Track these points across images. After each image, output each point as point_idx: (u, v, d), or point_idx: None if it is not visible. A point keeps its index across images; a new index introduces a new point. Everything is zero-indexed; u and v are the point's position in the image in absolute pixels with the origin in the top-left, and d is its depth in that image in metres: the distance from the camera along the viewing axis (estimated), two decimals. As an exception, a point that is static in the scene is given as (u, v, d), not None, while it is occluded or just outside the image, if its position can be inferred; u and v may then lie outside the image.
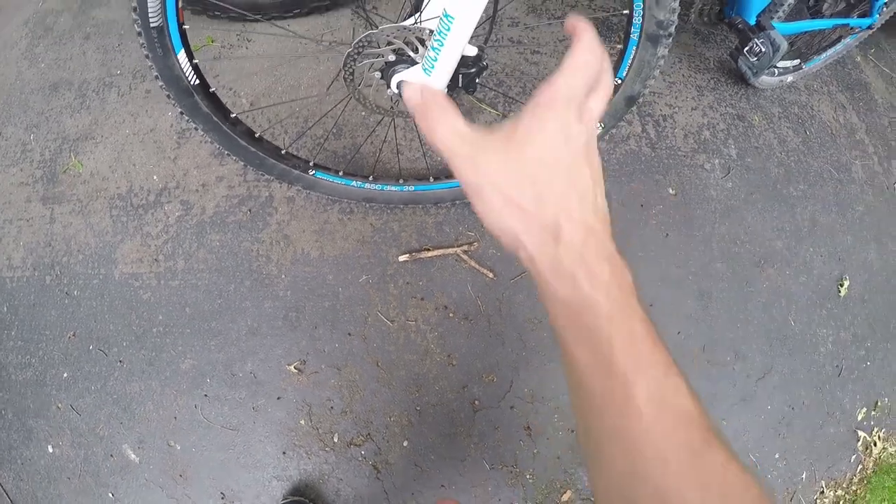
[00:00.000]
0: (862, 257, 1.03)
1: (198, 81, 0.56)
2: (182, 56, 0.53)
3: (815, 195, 1.01)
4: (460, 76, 0.51)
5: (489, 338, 0.71)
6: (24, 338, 0.77)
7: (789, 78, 1.07)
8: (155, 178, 0.84)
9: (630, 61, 0.57)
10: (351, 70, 0.51)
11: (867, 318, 0.98)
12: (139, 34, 0.49)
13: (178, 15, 0.50)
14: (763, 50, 0.76)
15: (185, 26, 0.52)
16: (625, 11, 0.54)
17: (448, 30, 0.40)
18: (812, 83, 1.19)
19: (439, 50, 0.41)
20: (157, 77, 0.54)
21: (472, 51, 0.49)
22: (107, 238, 0.81)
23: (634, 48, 0.55)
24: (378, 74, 0.50)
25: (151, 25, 0.48)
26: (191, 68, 0.55)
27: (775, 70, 1.01)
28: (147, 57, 0.51)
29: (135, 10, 0.47)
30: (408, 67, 0.47)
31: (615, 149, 0.88)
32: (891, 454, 0.95)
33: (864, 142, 1.20)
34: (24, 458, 0.73)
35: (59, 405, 0.73)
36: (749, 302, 0.84)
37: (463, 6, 0.39)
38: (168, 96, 0.56)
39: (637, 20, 0.53)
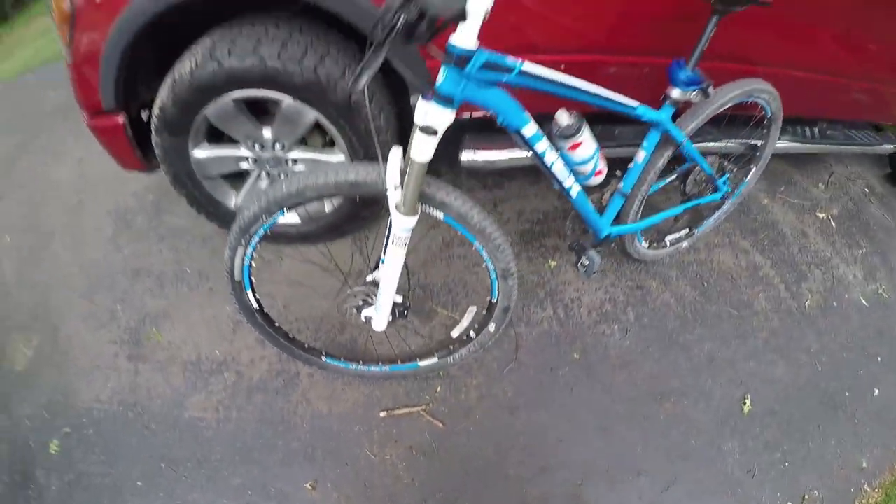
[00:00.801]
0: (769, 375, 1.42)
1: (257, 306, 1.11)
2: (249, 293, 1.07)
3: (713, 335, 1.44)
4: (395, 310, 1.05)
5: (440, 469, 1.16)
6: (107, 454, 1.25)
7: (684, 244, 1.56)
8: (217, 352, 1.40)
9: (497, 290, 1.09)
10: (343, 304, 1.08)
11: (779, 426, 1.34)
12: (229, 282, 1.02)
13: (250, 273, 1.04)
14: (587, 263, 1.27)
15: (253, 278, 1.06)
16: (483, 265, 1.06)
17: (380, 290, 0.96)
18: (713, 239, 1.69)
19: (380, 297, 0.98)
20: (235, 304, 1.06)
21: (399, 298, 1.03)
22: (180, 390, 1.33)
23: (497, 282, 1.08)
24: (355, 311, 1.06)
25: (235, 279, 1.02)
26: (253, 299, 1.09)
27: (667, 243, 1.53)
28: (231, 293, 1.05)
29: (229, 272, 1.00)
30: (370, 306, 1.03)
31: (531, 330, 1.38)
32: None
33: (769, 275, 1.64)
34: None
35: None
36: (648, 431, 1.25)
37: (386, 275, 0.93)
38: (238, 312, 1.09)
39: (491, 270, 1.05)
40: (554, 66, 0.83)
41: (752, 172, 1.50)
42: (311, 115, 1.16)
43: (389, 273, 0.92)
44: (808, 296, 1.62)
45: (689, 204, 1.36)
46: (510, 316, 1.12)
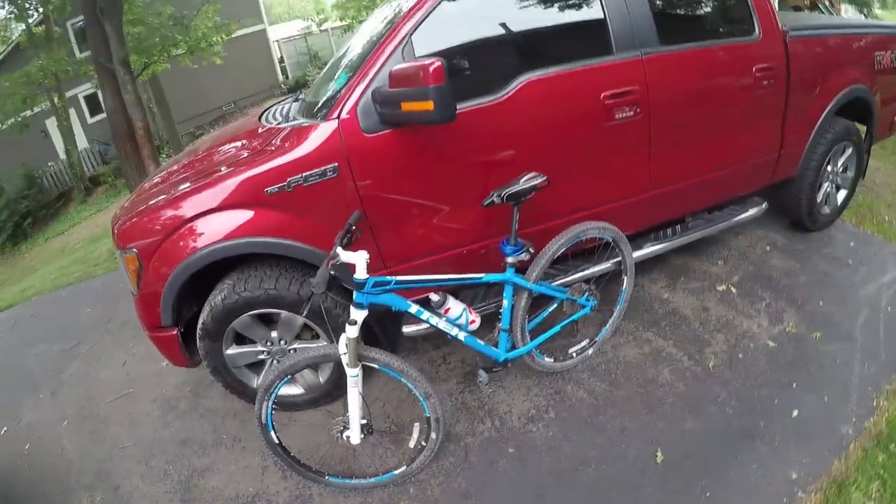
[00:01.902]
0: (679, 429, 2.06)
1: (277, 441, 1.91)
2: (272, 433, 1.86)
3: (623, 412, 2.15)
4: (363, 429, 1.84)
5: None
6: None
7: (589, 351, 2.35)
8: (251, 489, 2.14)
9: (426, 407, 1.88)
10: (331, 430, 1.86)
11: (695, 466, 1.92)
12: (258, 425, 1.84)
13: (272, 419, 1.87)
14: (481, 379, 2.03)
15: (274, 422, 1.88)
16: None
17: (350, 416, 1.76)
18: (618, 340, 2.48)
19: (350, 421, 1.77)
20: (263, 441, 1.86)
21: (364, 421, 1.81)
22: None
23: (424, 402, 1.87)
24: (338, 433, 1.85)
25: (262, 422, 1.84)
26: (275, 436, 1.88)
27: (572, 354, 2.31)
28: (261, 433, 1.85)
29: (258, 418, 1.83)
30: (347, 429, 1.82)
31: (476, 439, 2.11)
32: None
33: (671, 353, 2.38)
34: None
35: None
36: (575, 492, 1.89)
37: (350, 406, 1.73)
38: (270, 450, 1.89)
39: (418, 394, 1.86)
40: (438, 261, 1.75)
41: (625, 282, 2.34)
42: (300, 320, 2.11)
43: (352, 405, 1.75)
44: (712, 358, 2.34)
45: (566, 321, 2.21)
46: (443, 425, 1.91)
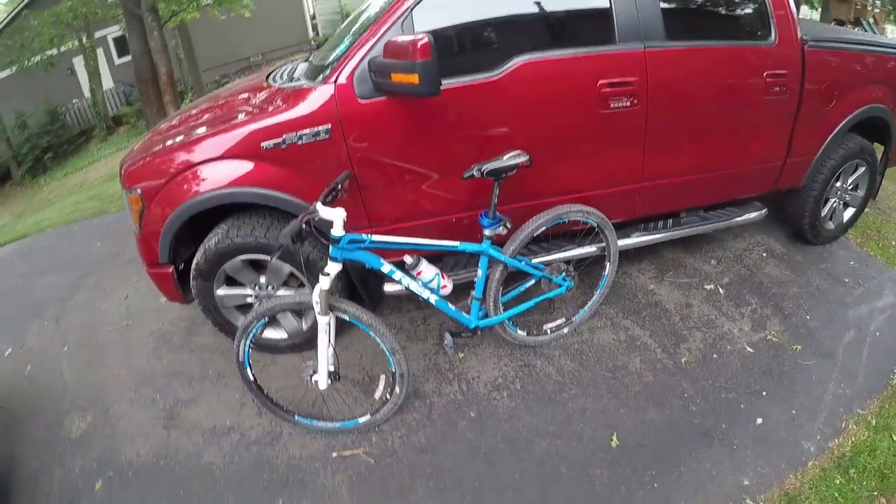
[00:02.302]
0: (638, 418, 2.23)
1: (252, 378, 2.17)
2: (248, 370, 2.12)
3: (586, 394, 2.35)
4: (331, 376, 2.09)
5: (370, 489, 2.05)
6: (140, 489, 2.16)
7: (565, 330, 2.55)
8: (227, 421, 2.43)
9: (392, 361, 2.10)
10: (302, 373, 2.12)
11: (648, 456, 2.10)
12: (236, 362, 2.11)
13: (248, 357, 2.11)
14: (447, 343, 2.27)
15: (250, 360, 2.13)
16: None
17: (318, 361, 2.00)
18: (596, 322, 2.66)
19: (319, 365, 2.03)
20: (243, 380, 2.15)
21: (332, 368, 2.06)
22: (199, 446, 2.32)
23: (390, 356, 2.10)
24: (308, 377, 2.09)
25: (239, 360, 2.10)
26: (251, 373, 2.15)
27: (546, 331, 2.51)
28: (238, 369, 2.12)
29: (236, 355, 2.09)
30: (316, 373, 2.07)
31: (441, 399, 2.34)
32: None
33: (646, 343, 2.56)
34: None
35: None
36: (525, 462, 2.11)
37: (319, 352, 1.97)
38: (245, 386, 2.16)
39: (385, 348, 2.09)
40: (422, 226, 2.00)
41: (607, 267, 2.52)
42: (286, 268, 2.37)
43: (321, 350, 1.99)
44: (686, 353, 2.50)
45: (540, 298, 2.41)
46: (407, 381, 2.15)
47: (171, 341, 2.99)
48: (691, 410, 2.25)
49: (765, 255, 3.05)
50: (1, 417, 2.81)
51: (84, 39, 13.24)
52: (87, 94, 14.78)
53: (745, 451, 2.09)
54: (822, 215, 3.02)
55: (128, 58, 11.65)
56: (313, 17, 18.68)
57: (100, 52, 14.70)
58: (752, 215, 2.79)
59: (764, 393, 2.31)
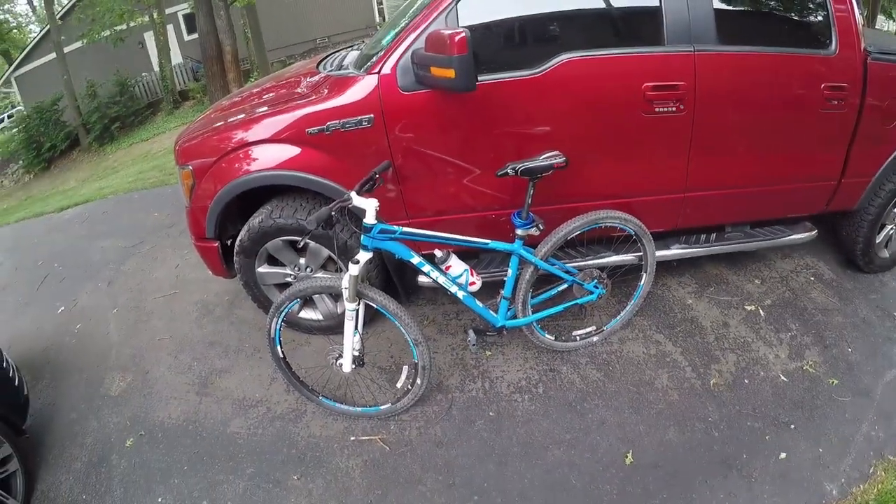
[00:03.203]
0: (657, 437, 2.19)
1: (282, 355, 2.27)
2: (278, 347, 2.22)
3: (608, 405, 2.32)
4: (356, 360, 2.14)
5: (382, 476, 2.11)
6: (167, 449, 2.34)
7: (594, 339, 2.52)
8: (257, 395, 2.56)
9: (415, 353, 2.15)
10: (328, 356, 2.22)
11: (661, 478, 2.06)
12: (267, 338, 2.21)
13: (280, 335, 2.21)
14: (469, 339, 2.25)
15: (281, 339, 2.22)
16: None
17: (344, 345, 2.08)
18: (627, 334, 2.62)
19: (344, 350, 2.09)
20: (272, 356, 2.25)
21: (356, 353, 2.12)
22: (227, 415, 2.48)
23: (413, 348, 2.14)
24: (333, 360, 2.19)
25: (270, 336, 2.19)
26: (280, 351, 2.24)
27: (576, 337, 2.50)
28: (268, 346, 2.22)
29: (268, 332, 2.19)
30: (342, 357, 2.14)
31: (463, 395, 2.37)
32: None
33: (676, 360, 2.50)
34: None
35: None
36: (536, 468, 2.11)
37: (345, 336, 2.05)
38: (274, 362, 2.28)
39: (409, 339, 2.14)
40: (456, 220, 2.06)
41: (643, 278, 2.48)
42: (325, 252, 2.46)
43: (346, 335, 2.06)
44: (716, 375, 2.42)
45: (570, 303, 2.39)
46: (429, 373, 2.19)
47: (214, 312, 3.16)
48: (713, 436, 2.17)
49: (812, 279, 2.90)
50: (48, 370, 3.04)
51: (155, 15, 13.91)
52: (156, 68, 15.55)
53: (763, 486, 2.00)
54: (877, 242, 2.82)
55: (196, 35, 12.20)
56: (380, 2, 18.97)
57: (170, 28, 15.43)
58: (802, 236, 2.66)
59: (792, 426, 2.20)
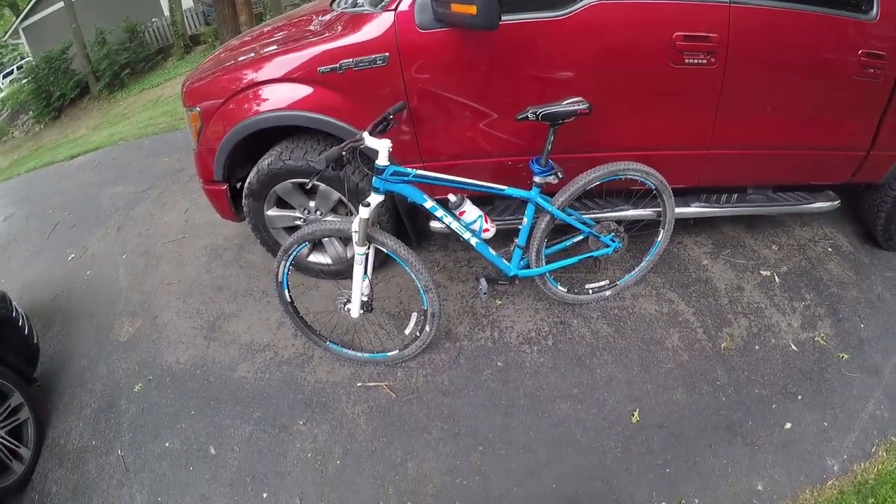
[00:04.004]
0: (664, 397, 2.18)
1: (290, 300, 2.25)
2: (286, 291, 2.21)
3: (617, 361, 2.29)
4: (364, 306, 2.12)
5: (387, 422, 2.13)
6: (175, 394, 2.38)
7: (607, 293, 2.48)
8: (264, 339, 2.57)
9: (425, 300, 2.13)
10: (335, 300, 2.20)
11: (666, 438, 2.06)
12: (274, 281, 2.18)
13: (287, 279, 2.20)
14: (480, 287, 2.23)
15: (289, 282, 2.20)
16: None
17: (353, 290, 2.06)
18: (640, 290, 2.57)
19: (353, 294, 2.07)
20: (279, 300, 2.24)
21: (364, 298, 2.10)
22: (235, 360, 2.50)
23: (423, 294, 2.12)
24: (341, 304, 2.16)
25: (278, 280, 2.18)
26: (288, 294, 2.22)
27: (588, 290, 2.46)
28: (275, 289, 2.20)
29: (275, 275, 2.17)
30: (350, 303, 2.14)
31: (471, 344, 2.36)
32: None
33: (688, 321, 2.46)
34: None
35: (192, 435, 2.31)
36: (542, 421, 2.11)
37: (354, 280, 2.03)
38: (281, 306, 2.25)
39: (419, 285, 2.11)
40: (472, 165, 1.99)
41: (661, 234, 2.42)
42: (335, 195, 2.40)
43: (356, 280, 2.03)
44: (727, 339, 2.39)
45: (584, 255, 2.35)
46: (438, 321, 2.17)
47: (223, 256, 3.15)
48: (720, 400, 2.15)
49: (830, 250, 2.82)
50: (59, 317, 3.08)
51: (165, -40, 13.52)
52: (166, 13, 15.22)
53: (766, 455, 1.99)
54: (901, 220, 2.73)
55: (207, -21, 11.89)
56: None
57: (180, -28, 15.01)
58: (824, 205, 2.57)
59: (799, 397, 2.17)
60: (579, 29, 2.01)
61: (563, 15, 1.99)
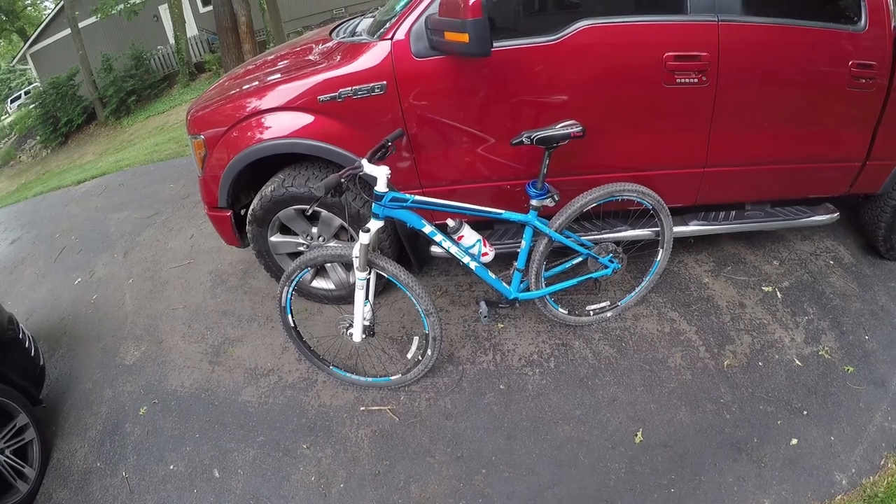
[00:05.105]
0: (668, 417, 2.18)
1: (293, 325, 2.29)
2: (289, 316, 2.25)
3: (620, 382, 2.30)
4: (366, 330, 2.15)
5: (390, 446, 2.14)
6: (180, 418, 2.41)
7: (608, 314, 2.51)
8: (268, 364, 2.61)
9: (426, 323, 2.16)
10: (338, 325, 2.23)
11: (670, 458, 2.06)
12: (278, 307, 2.23)
13: (290, 304, 2.24)
14: (481, 311, 2.25)
15: (292, 307, 2.25)
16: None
17: (354, 315, 2.09)
18: (642, 310, 2.59)
19: (355, 319, 2.10)
20: (283, 325, 2.27)
21: (367, 323, 2.13)
22: (239, 384, 2.53)
23: (424, 318, 2.15)
24: (344, 329, 2.20)
25: (281, 305, 2.21)
26: (291, 319, 2.25)
27: (589, 312, 2.48)
28: (279, 315, 2.24)
29: (279, 301, 2.21)
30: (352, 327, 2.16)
31: (474, 367, 2.38)
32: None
33: (690, 339, 2.47)
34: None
35: (202, 462, 2.34)
36: (545, 443, 2.12)
37: (356, 306, 2.06)
38: (285, 331, 2.29)
39: (420, 310, 2.14)
40: (471, 190, 2.03)
41: (660, 254, 2.44)
42: (337, 221, 2.46)
43: (357, 305, 2.06)
44: (730, 356, 2.39)
45: (582, 277, 2.37)
46: (439, 345, 2.20)
47: (228, 282, 3.21)
48: (724, 418, 2.14)
49: (832, 262, 2.83)
50: (65, 340, 3.13)
51: (170, -12, 13.86)
52: (171, 40, 15.56)
53: (773, 472, 1.97)
54: (901, 229, 2.73)
55: (211, 6, 12.17)
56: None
57: (185, 0, 15.38)
58: (823, 218, 2.59)
59: (805, 412, 2.15)
60: (571, 53, 2.06)
61: (555, 40, 2.04)
